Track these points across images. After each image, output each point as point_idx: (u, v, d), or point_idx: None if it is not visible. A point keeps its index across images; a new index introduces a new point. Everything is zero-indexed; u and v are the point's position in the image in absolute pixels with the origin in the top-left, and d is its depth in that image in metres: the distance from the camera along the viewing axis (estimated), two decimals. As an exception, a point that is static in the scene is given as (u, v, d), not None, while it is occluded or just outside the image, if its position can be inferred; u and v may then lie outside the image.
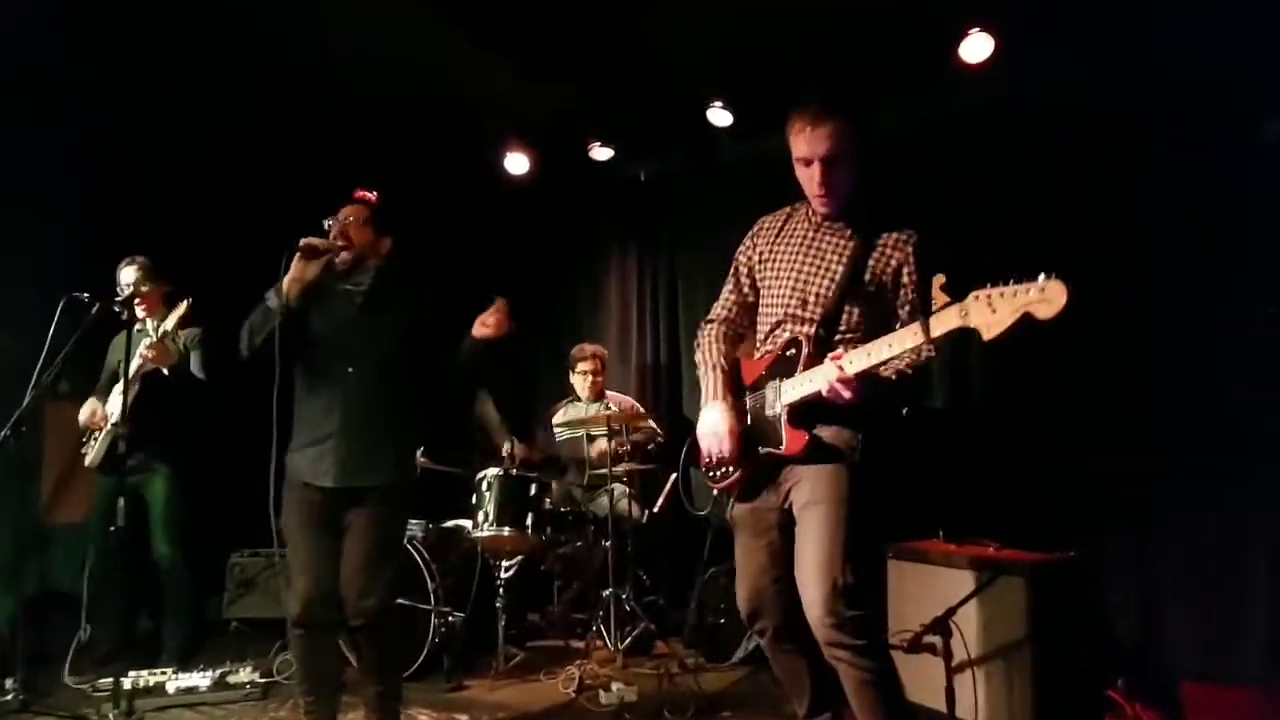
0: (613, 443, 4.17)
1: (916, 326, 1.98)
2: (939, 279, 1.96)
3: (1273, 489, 3.05)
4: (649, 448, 4.57)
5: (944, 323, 1.94)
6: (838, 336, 2.24)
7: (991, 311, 1.85)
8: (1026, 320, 1.82)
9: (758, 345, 2.41)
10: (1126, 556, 3.37)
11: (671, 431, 4.64)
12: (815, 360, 2.18)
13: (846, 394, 2.05)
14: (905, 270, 2.23)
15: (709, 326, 2.52)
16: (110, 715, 3.02)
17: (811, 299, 2.27)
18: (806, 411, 2.19)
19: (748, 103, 4.45)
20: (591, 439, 4.57)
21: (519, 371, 5.50)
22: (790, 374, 2.23)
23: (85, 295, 3.20)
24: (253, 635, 4.39)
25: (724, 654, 3.85)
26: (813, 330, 2.25)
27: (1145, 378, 3.40)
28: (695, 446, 2.44)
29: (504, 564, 4.03)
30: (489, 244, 5.48)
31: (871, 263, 2.24)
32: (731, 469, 2.35)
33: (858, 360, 2.06)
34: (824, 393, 2.08)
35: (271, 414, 2.59)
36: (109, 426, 3.69)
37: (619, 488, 4.26)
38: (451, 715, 3.29)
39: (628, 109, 4.77)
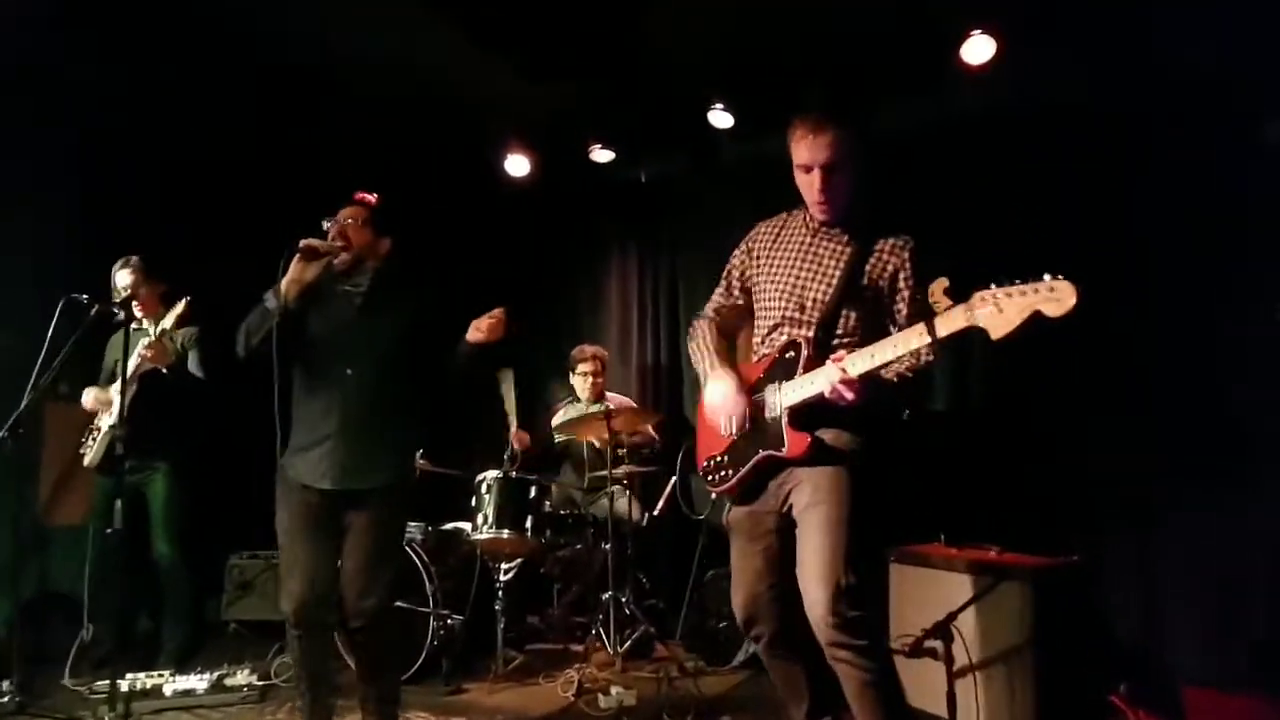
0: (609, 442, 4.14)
1: (922, 327, 1.98)
2: (942, 282, 1.96)
3: (1275, 491, 3.05)
4: (644, 451, 4.55)
5: (950, 323, 1.94)
6: (835, 340, 2.24)
7: (999, 311, 1.86)
8: (1035, 319, 1.83)
9: (754, 349, 2.41)
10: (1128, 560, 3.36)
11: (672, 433, 4.62)
12: (816, 363, 2.18)
13: (849, 395, 2.05)
14: (902, 275, 2.25)
15: (698, 322, 2.55)
16: (106, 718, 3.01)
17: (809, 303, 2.28)
18: (808, 414, 2.19)
19: (748, 104, 4.45)
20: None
21: (520, 373, 5.49)
22: (790, 376, 2.22)
23: (84, 296, 3.19)
24: (251, 638, 4.38)
25: (724, 658, 3.84)
26: (812, 333, 2.25)
27: (1146, 380, 3.39)
28: (693, 450, 2.43)
29: (503, 566, 4.02)
30: (489, 245, 5.48)
31: (868, 268, 2.25)
32: (730, 472, 2.33)
33: (860, 362, 2.06)
34: (826, 394, 2.08)
35: (269, 416, 2.58)
36: (107, 428, 3.68)
37: (619, 490, 4.24)
38: (450, 718, 3.27)
39: (628, 110, 4.77)
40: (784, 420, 2.20)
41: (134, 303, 3.57)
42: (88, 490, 3.90)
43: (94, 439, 3.75)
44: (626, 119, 4.83)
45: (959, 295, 1.94)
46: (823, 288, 2.27)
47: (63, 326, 3.15)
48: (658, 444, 4.61)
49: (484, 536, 3.86)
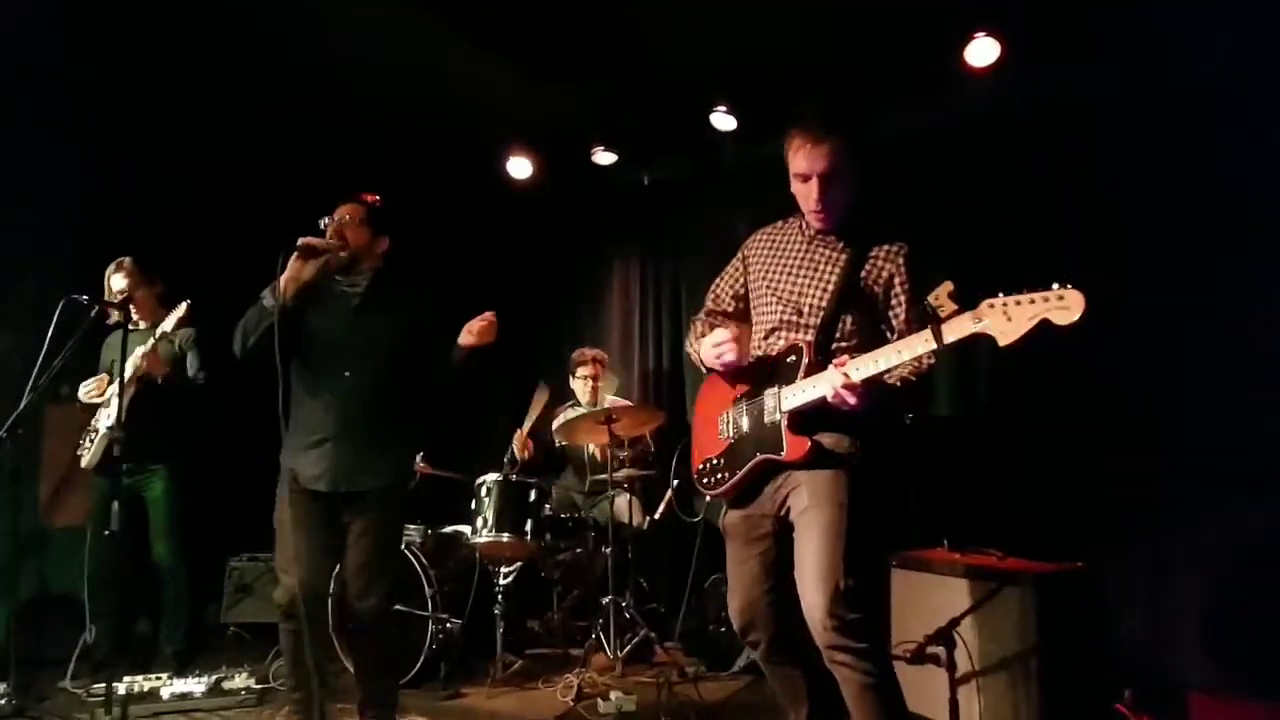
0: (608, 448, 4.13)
1: (928, 333, 1.97)
2: (947, 285, 1.96)
3: (1281, 495, 3.03)
4: (644, 457, 4.54)
5: (957, 329, 1.94)
6: (835, 345, 2.25)
7: (1007, 319, 1.87)
8: (1043, 328, 1.83)
9: (751, 352, 2.40)
10: (1133, 565, 3.34)
11: (672, 437, 4.60)
12: (817, 367, 2.17)
13: (852, 400, 2.05)
14: (897, 280, 2.26)
15: (695, 323, 2.58)
16: (102, 721, 2.99)
17: (806, 308, 2.30)
18: (808, 418, 2.17)
19: (751, 107, 4.44)
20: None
21: (521, 376, 5.47)
22: (790, 380, 2.21)
23: (85, 297, 3.18)
24: (250, 641, 4.37)
25: (725, 662, 3.82)
26: (811, 338, 2.26)
27: (1150, 384, 3.38)
28: (688, 453, 2.42)
29: (503, 570, 4.00)
30: (491, 247, 5.46)
31: (864, 274, 2.27)
32: (726, 475, 2.32)
33: (864, 367, 2.06)
34: (829, 398, 2.08)
35: (268, 417, 2.57)
36: (105, 429, 3.67)
37: (620, 494, 4.23)
38: (448, 723, 3.26)
39: (631, 112, 4.76)
40: (783, 424, 2.19)
41: (130, 305, 3.56)
42: (88, 492, 3.89)
43: (91, 440, 3.74)
44: (629, 121, 4.82)
45: (964, 300, 1.94)
46: (820, 293, 2.28)
47: (62, 327, 3.14)
48: (652, 453, 4.59)
49: (483, 540, 3.84)
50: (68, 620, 3.80)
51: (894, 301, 2.26)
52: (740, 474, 2.29)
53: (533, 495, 3.95)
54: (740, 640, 2.37)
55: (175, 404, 3.75)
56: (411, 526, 4.20)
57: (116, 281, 3.70)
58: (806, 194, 2.28)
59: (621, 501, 4.25)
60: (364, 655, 2.76)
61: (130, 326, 3.21)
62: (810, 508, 2.15)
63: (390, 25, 3.89)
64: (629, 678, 3.72)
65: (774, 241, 2.44)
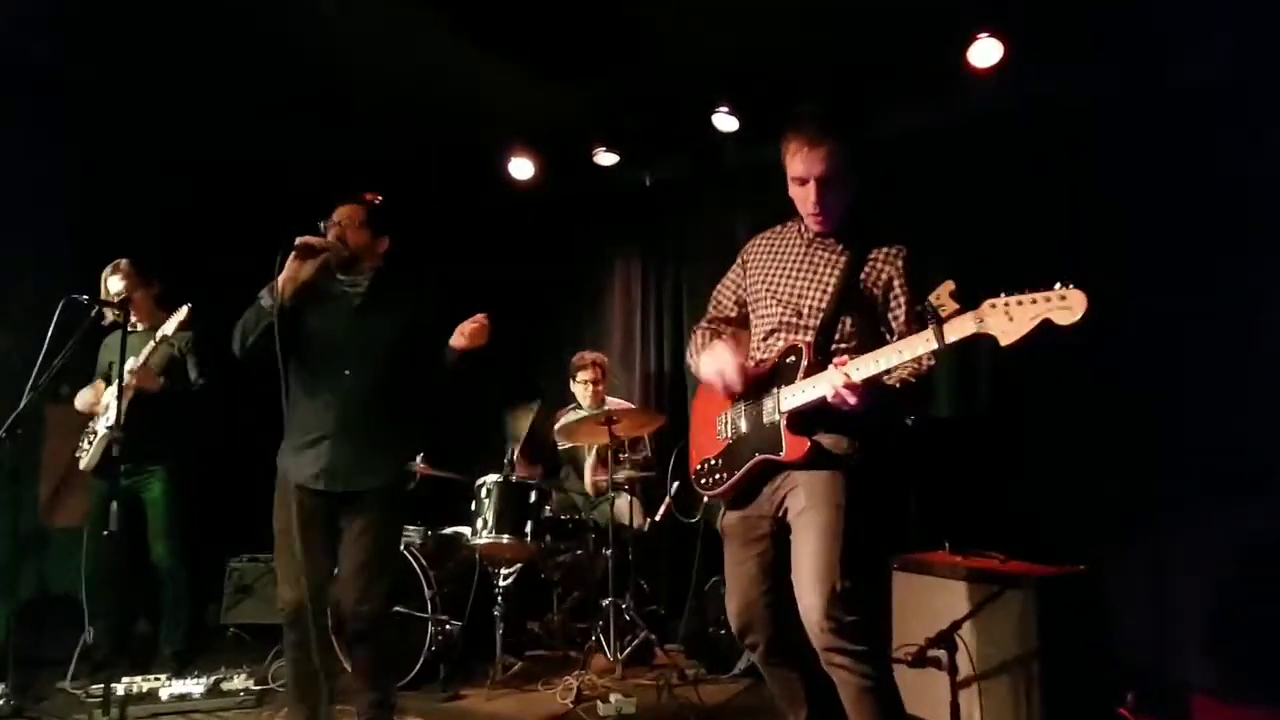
0: (607, 460, 4.12)
1: (929, 332, 1.96)
2: (949, 285, 1.94)
3: (1286, 499, 3.02)
4: (644, 461, 4.53)
5: (959, 329, 1.93)
6: (834, 346, 2.25)
7: (1009, 319, 1.86)
8: (1045, 328, 1.82)
9: (750, 354, 2.39)
10: (1135, 568, 3.34)
11: (675, 438, 4.58)
12: (817, 367, 2.16)
13: (852, 400, 2.04)
14: (897, 282, 2.25)
15: (697, 331, 2.56)
16: (100, 722, 2.99)
17: (805, 310, 2.29)
18: (807, 418, 2.16)
19: (753, 108, 4.43)
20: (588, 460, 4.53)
21: (522, 377, 5.47)
22: (790, 381, 2.21)
23: (85, 297, 3.18)
24: (250, 642, 4.36)
25: (725, 665, 3.80)
26: (811, 339, 2.25)
27: (1153, 385, 3.37)
28: (685, 455, 2.40)
29: (502, 572, 3.98)
30: (492, 248, 5.46)
31: (863, 275, 2.26)
32: (724, 475, 2.31)
33: (864, 367, 2.05)
34: (829, 398, 2.07)
35: (269, 417, 2.56)
36: (103, 431, 3.66)
37: (620, 496, 4.21)
38: (447, 725, 3.25)
39: (633, 113, 4.75)
40: (783, 424, 2.18)
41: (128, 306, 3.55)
42: (87, 493, 3.88)
43: (90, 441, 3.73)
44: (630, 122, 4.81)
45: (965, 299, 1.93)
46: (819, 294, 2.28)
47: (63, 327, 3.13)
48: (652, 456, 4.58)
49: (483, 541, 3.83)
50: (67, 620, 3.79)
51: (893, 303, 2.25)
52: (738, 475, 2.28)
53: (533, 497, 3.94)
54: (739, 641, 2.36)
55: (174, 407, 3.75)
56: (411, 527, 4.19)
57: (113, 284, 3.68)
58: (804, 197, 2.27)
59: (622, 503, 4.24)
60: (362, 658, 2.74)
61: (129, 328, 3.21)
62: (808, 509, 2.15)
63: (391, 25, 3.88)
64: (629, 680, 3.71)
65: (773, 245, 2.44)
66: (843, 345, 2.23)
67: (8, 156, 3.94)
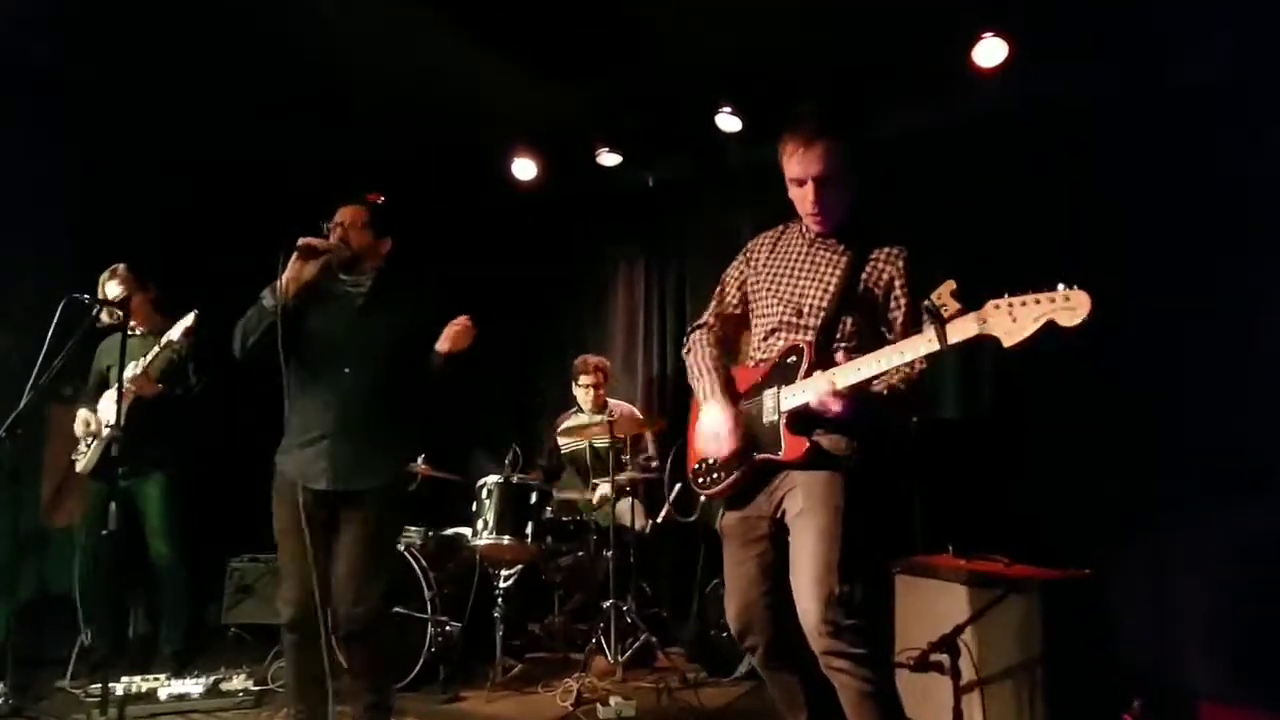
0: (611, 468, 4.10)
1: (931, 333, 1.95)
2: (950, 284, 1.92)
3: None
4: (653, 465, 4.51)
5: (961, 330, 1.91)
6: (835, 346, 2.24)
7: (1012, 320, 1.85)
8: (1049, 329, 1.81)
9: (751, 354, 2.39)
10: (1141, 572, 3.32)
11: (677, 440, 4.57)
12: (818, 367, 2.16)
13: (835, 408, 2.05)
14: (897, 283, 2.25)
15: (697, 332, 2.51)
16: (98, 721, 2.98)
17: (806, 309, 2.28)
18: (806, 418, 2.15)
19: (755, 108, 4.41)
20: (594, 486, 4.51)
21: (524, 378, 5.46)
22: (791, 380, 2.20)
23: (85, 296, 3.17)
24: (251, 642, 4.36)
25: (726, 668, 3.78)
26: (812, 338, 2.24)
27: (1157, 387, 3.35)
28: (684, 455, 2.39)
29: (503, 573, 3.97)
30: (495, 249, 5.45)
31: (864, 276, 2.25)
32: (722, 475, 2.30)
33: (849, 375, 2.05)
34: (812, 404, 2.07)
35: (270, 419, 2.55)
36: (104, 431, 3.65)
37: (622, 497, 4.20)
38: (446, 727, 3.24)
39: (635, 114, 4.73)
40: (781, 424, 2.17)
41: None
42: (84, 496, 3.88)
43: (87, 445, 3.72)
44: (632, 122, 4.80)
45: (966, 300, 1.91)
46: (820, 294, 2.27)
47: (63, 327, 3.13)
48: (655, 462, 4.56)
49: (484, 542, 3.82)
50: (67, 620, 3.79)
51: (893, 304, 2.24)
52: (737, 474, 2.26)
53: (534, 498, 3.92)
54: (738, 643, 2.34)
55: (172, 411, 3.74)
56: (412, 528, 4.18)
57: (111, 289, 3.66)
58: (803, 198, 2.26)
59: (623, 505, 4.23)
60: (359, 659, 2.73)
61: (128, 332, 3.20)
62: (806, 510, 2.13)
63: (391, 25, 3.88)
64: (629, 683, 3.69)
65: (775, 244, 2.43)
66: (844, 345, 2.22)
67: (8, 156, 3.94)
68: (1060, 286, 1.80)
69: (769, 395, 2.23)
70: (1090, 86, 3.61)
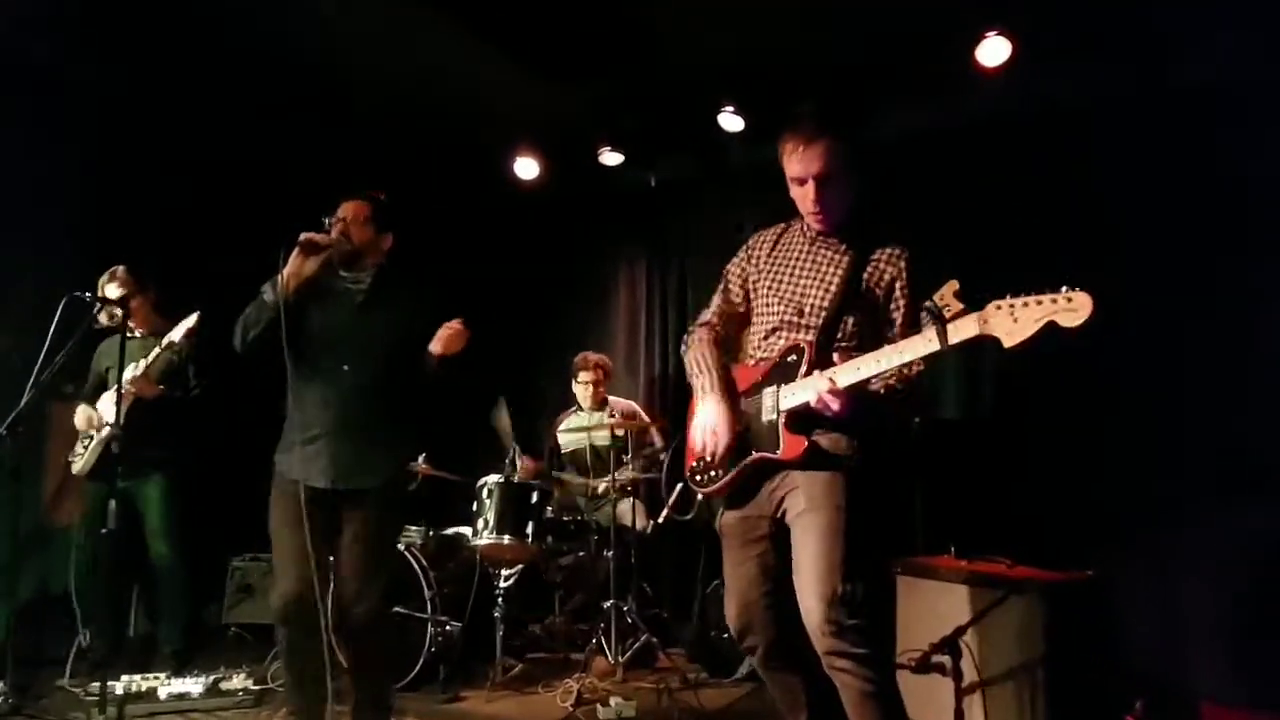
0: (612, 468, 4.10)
1: (932, 333, 1.94)
2: (953, 284, 1.92)
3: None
4: (659, 458, 4.50)
5: (962, 330, 1.91)
6: (836, 345, 2.23)
7: (1013, 321, 1.85)
8: (1051, 330, 1.81)
9: (751, 353, 2.38)
10: (1144, 574, 3.31)
11: (676, 440, 4.57)
12: (818, 366, 2.16)
13: (835, 406, 2.04)
14: (898, 284, 2.24)
15: (698, 330, 2.51)
16: (98, 720, 2.98)
17: (808, 308, 2.28)
18: (805, 418, 2.15)
19: (759, 107, 4.40)
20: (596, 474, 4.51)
21: (525, 377, 5.45)
22: (791, 379, 2.20)
23: (86, 295, 3.17)
24: (251, 641, 4.36)
25: (727, 669, 3.78)
26: (812, 338, 2.24)
27: (1160, 388, 3.34)
28: (682, 454, 2.38)
29: (503, 573, 3.97)
30: (496, 248, 5.44)
31: (866, 275, 2.25)
32: (719, 472, 2.30)
33: (849, 374, 2.05)
34: (812, 404, 2.07)
35: (271, 417, 2.54)
36: (104, 432, 3.65)
37: (623, 497, 4.19)
38: (446, 727, 3.23)
39: (638, 113, 4.73)
40: (780, 423, 2.17)
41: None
42: (82, 496, 3.87)
43: (84, 446, 3.72)
44: (634, 122, 4.80)
45: (967, 300, 1.91)
46: (821, 293, 2.27)
47: (64, 326, 3.12)
48: (663, 453, 4.55)
49: (484, 542, 3.81)
50: (67, 620, 3.79)
51: (894, 305, 2.24)
52: (734, 472, 2.26)
53: (534, 497, 3.92)
54: (738, 644, 2.33)
55: (171, 413, 3.73)
56: (412, 528, 4.18)
57: (111, 290, 3.65)
58: (803, 197, 2.26)
59: (624, 505, 4.22)
60: (359, 658, 2.73)
61: (128, 333, 3.20)
62: (807, 510, 2.13)
63: (391, 25, 3.87)
64: (629, 683, 3.69)
65: (776, 242, 2.42)
66: (845, 344, 2.22)
67: (8, 156, 3.94)
68: (1063, 288, 1.80)
69: (768, 394, 2.23)
70: (1090, 86, 3.61)
